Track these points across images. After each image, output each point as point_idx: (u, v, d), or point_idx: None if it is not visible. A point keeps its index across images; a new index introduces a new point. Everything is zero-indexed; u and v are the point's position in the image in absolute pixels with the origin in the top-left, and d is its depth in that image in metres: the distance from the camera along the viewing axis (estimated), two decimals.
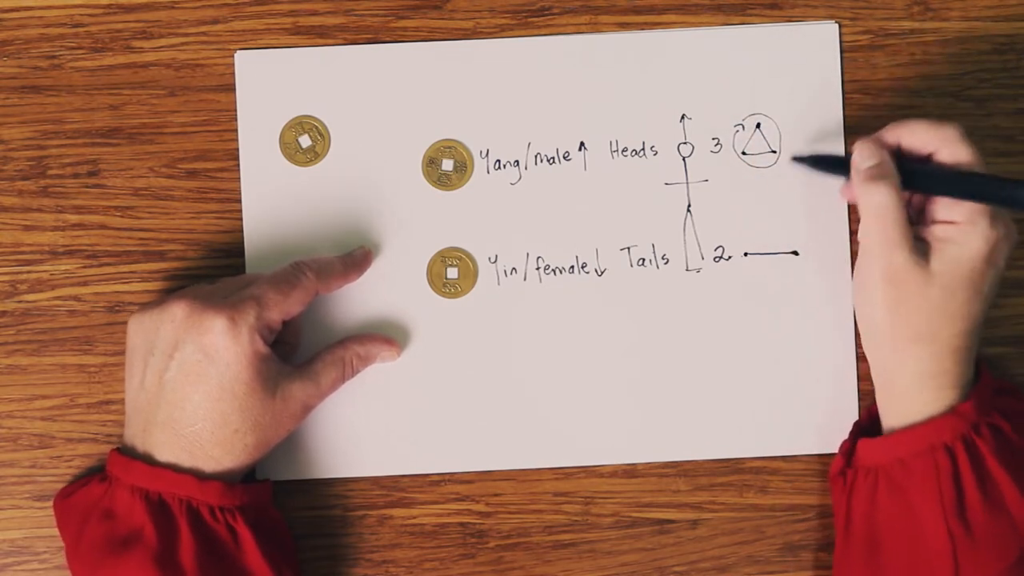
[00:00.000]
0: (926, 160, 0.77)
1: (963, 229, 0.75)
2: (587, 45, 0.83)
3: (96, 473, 0.79)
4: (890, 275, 0.75)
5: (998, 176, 0.75)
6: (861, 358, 0.82)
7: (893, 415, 0.77)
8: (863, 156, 0.77)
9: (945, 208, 0.76)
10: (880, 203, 0.75)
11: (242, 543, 0.76)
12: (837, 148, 0.82)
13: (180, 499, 0.75)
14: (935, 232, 0.76)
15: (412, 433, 0.82)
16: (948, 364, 0.76)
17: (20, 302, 0.82)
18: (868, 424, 0.80)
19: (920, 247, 0.75)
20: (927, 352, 0.76)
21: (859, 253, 0.77)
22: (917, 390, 0.76)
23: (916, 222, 0.78)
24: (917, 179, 0.76)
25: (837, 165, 0.80)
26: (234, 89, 0.82)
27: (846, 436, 0.80)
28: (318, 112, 0.82)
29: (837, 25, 0.83)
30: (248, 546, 0.76)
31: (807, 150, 0.82)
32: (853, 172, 0.77)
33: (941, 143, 0.76)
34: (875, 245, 0.76)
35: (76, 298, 0.82)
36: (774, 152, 0.82)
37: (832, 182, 0.82)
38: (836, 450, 0.81)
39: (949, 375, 0.76)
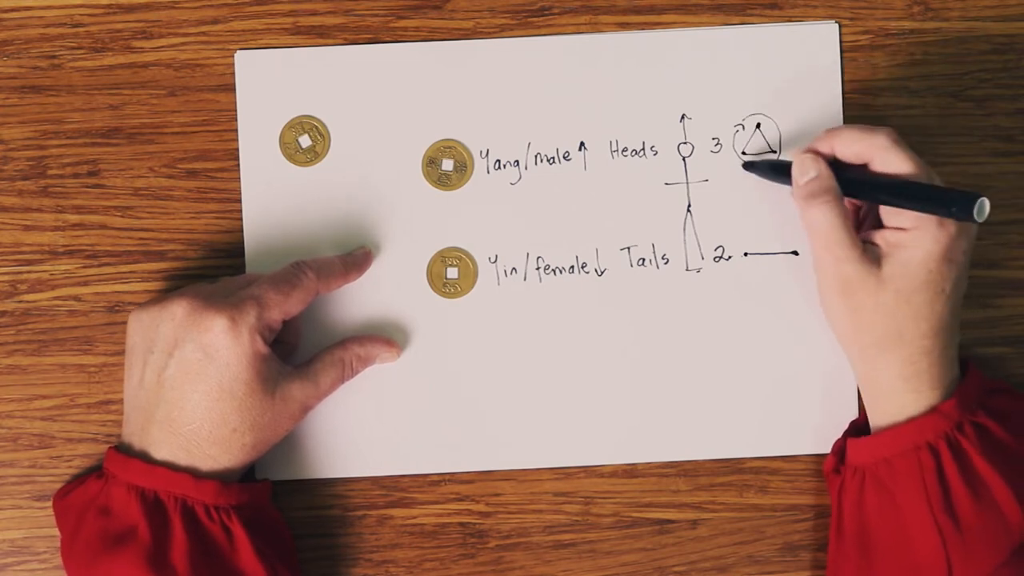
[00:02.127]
0: (863, 168, 0.77)
1: (912, 234, 0.75)
2: (587, 45, 0.83)
3: (95, 471, 0.79)
4: (842, 286, 0.76)
5: (938, 187, 0.75)
6: None
7: (878, 415, 0.78)
8: (801, 171, 0.77)
9: (893, 214, 0.76)
10: (821, 220, 0.76)
11: (237, 543, 0.76)
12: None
13: (175, 497, 0.75)
14: (886, 237, 0.76)
15: (412, 433, 0.82)
16: (923, 365, 0.76)
17: (20, 302, 0.82)
18: (864, 423, 0.80)
19: (872, 252, 0.76)
20: (896, 356, 0.76)
21: (814, 267, 0.78)
22: (896, 392, 0.76)
23: (869, 227, 0.78)
24: (858, 188, 0.77)
25: (783, 172, 0.80)
26: (234, 89, 0.82)
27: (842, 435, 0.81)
28: (318, 112, 0.82)
29: (837, 25, 0.83)
30: (243, 546, 0.76)
31: (758, 157, 0.82)
32: (793, 186, 0.78)
33: (874, 152, 0.76)
34: (824, 260, 0.76)
35: (76, 298, 0.82)
36: (774, 152, 0.82)
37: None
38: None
39: (925, 376, 0.76)
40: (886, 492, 0.76)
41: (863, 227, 0.78)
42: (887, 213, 0.76)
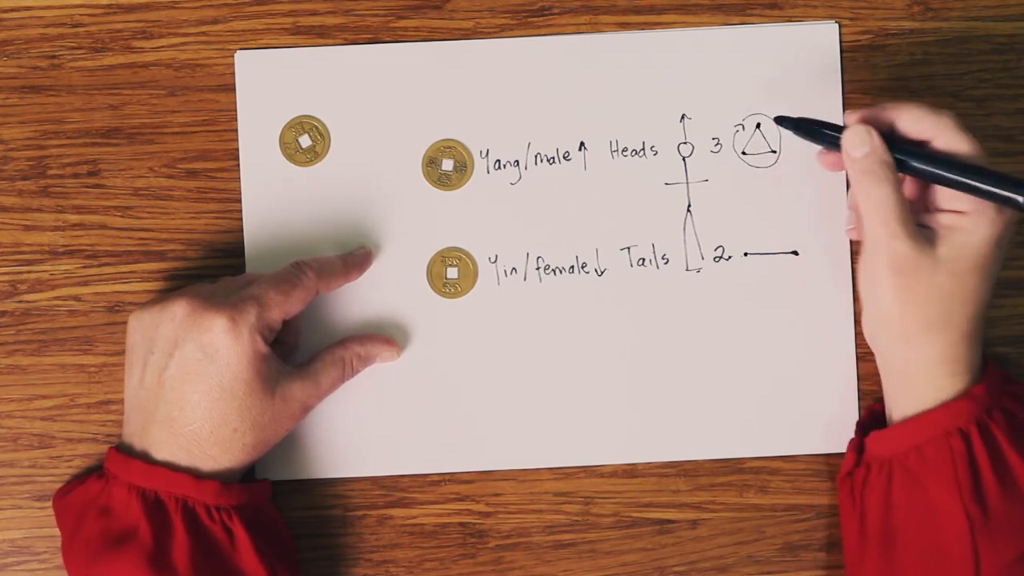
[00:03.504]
0: (921, 145, 0.76)
1: (971, 217, 0.74)
2: (587, 45, 0.83)
3: (95, 471, 0.79)
4: (897, 265, 0.74)
5: (996, 172, 0.75)
6: (861, 358, 0.82)
7: (905, 404, 0.77)
8: (855, 143, 0.76)
9: (949, 197, 0.75)
10: (878, 196, 0.75)
11: (237, 543, 0.76)
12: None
13: (176, 498, 0.75)
14: (940, 220, 0.75)
15: (412, 433, 0.82)
16: (962, 350, 0.76)
17: (20, 302, 0.82)
18: (871, 422, 0.80)
19: (925, 234, 0.75)
20: (940, 339, 0.75)
21: (863, 245, 0.77)
22: (930, 377, 0.76)
23: (918, 209, 0.77)
24: (915, 163, 0.76)
25: (823, 134, 0.78)
26: (234, 89, 0.82)
27: (849, 435, 0.80)
28: (318, 112, 0.82)
29: (837, 25, 0.83)
30: (243, 546, 0.76)
31: (794, 112, 0.80)
32: (846, 159, 0.76)
33: (938, 131, 0.76)
34: (878, 237, 0.75)
35: (76, 298, 0.82)
36: (774, 152, 0.82)
37: (832, 180, 0.82)
38: (836, 450, 0.81)
39: (962, 361, 0.76)
40: (915, 481, 0.75)
41: (912, 208, 0.77)
42: (944, 196, 0.75)
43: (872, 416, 0.80)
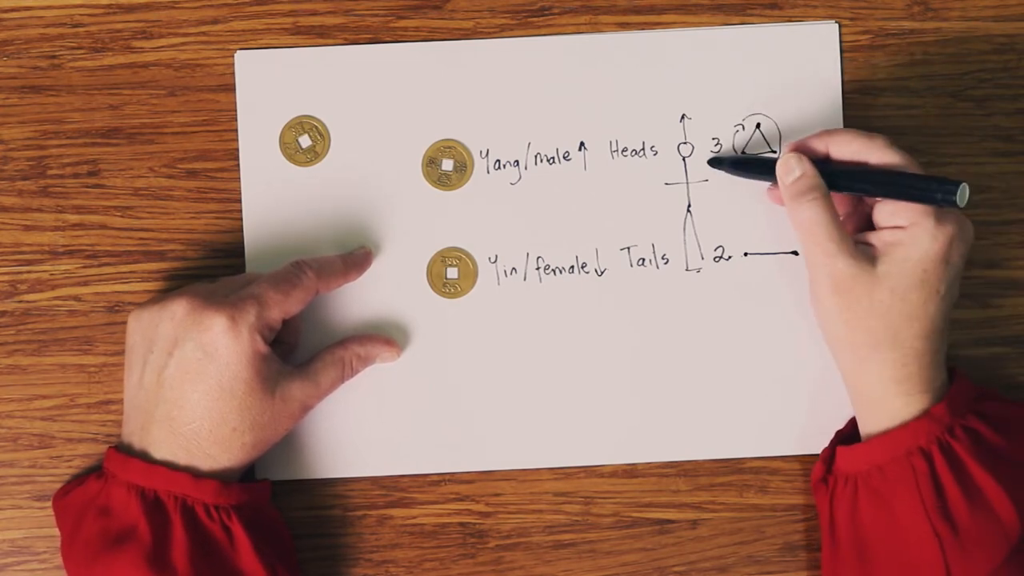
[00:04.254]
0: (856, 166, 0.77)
1: (909, 232, 0.75)
2: (587, 45, 0.83)
3: (94, 471, 0.79)
4: (836, 284, 0.75)
5: (921, 175, 0.75)
6: None
7: (868, 422, 0.77)
8: (786, 169, 0.77)
9: (888, 213, 0.75)
10: (810, 217, 0.75)
11: (237, 542, 0.76)
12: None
13: (175, 497, 0.75)
14: (881, 236, 0.76)
15: (412, 433, 0.82)
16: (913, 368, 0.75)
17: (20, 302, 0.82)
18: (850, 432, 0.80)
19: (865, 252, 0.75)
20: (890, 357, 0.75)
21: (806, 267, 0.77)
22: (887, 397, 0.76)
23: (859, 228, 0.78)
24: (844, 180, 0.76)
25: (759, 168, 0.80)
26: (234, 89, 0.82)
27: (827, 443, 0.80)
28: (318, 112, 0.82)
29: (837, 25, 0.83)
30: (243, 545, 0.76)
31: (725, 152, 0.82)
32: (780, 186, 0.77)
33: (871, 151, 0.76)
34: (815, 257, 0.76)
35: (76, 298, 0.82)
36: (774, 152, 0.82)
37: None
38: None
39: (916, 379, 0.76)
40: (880, 499, 0.76)
41: (852, 229, 0.78)
42: (882, 213, 0.76)
43: (853, 425, 0.80)
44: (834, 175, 0.77)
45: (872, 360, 0.76)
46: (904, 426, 0.75)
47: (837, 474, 0.77)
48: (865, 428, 0.78)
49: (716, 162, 0.81)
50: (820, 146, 0.78)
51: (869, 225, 0.78)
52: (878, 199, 0.76)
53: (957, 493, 0.74)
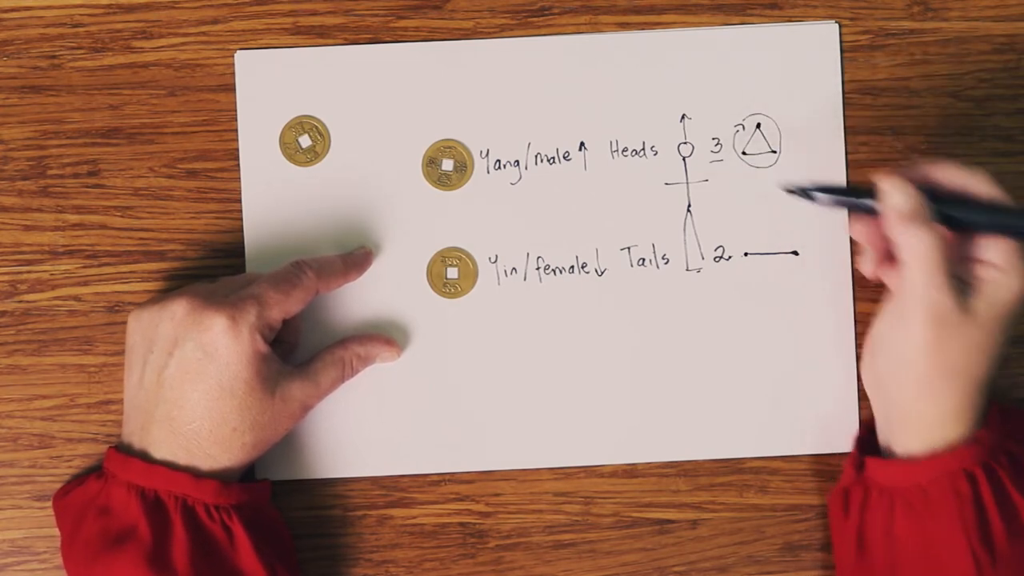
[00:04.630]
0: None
1: (1004, 271, 0.74)
2: (587, 45, 0.83)
3: (94, 471, 0.79)
4: (935, 317, 0.73)
5: None
6: (861, 358, 0.82)
7: (910, 441, 0.76)
8: (897, 195, 0.75)
9: (983, 248, 0.75)
10: (924, 247, 0.73)
11: (237, 542, 0.76)
12: (836, 149, 0.82)
13: (175, 497, 0.75)
14: (975, 272, 0.75)
15: (412, 433, 0.82)
16: (977, 399, 0.75)
17: (20, 302, 0.82)
18: (870, 438, 0.80)
19: (960, 286, 0.74)
20: (958, 387, 0.75)
21: (897, 292, 0.75)
22: (944, 423, 0.75)
23: (953, 261, 0.76)
24: (954, 211, 0.75)
25: (853, 198, 0.77)
26: (234, 89, 0.82)
27: (848, 435, 0.80)
28: (318, 112, 0.82)
29: (837, 25, 0.83)
30: (243, 545, 0.76)
31: (802, 181, 0.79)
32: (888, 212, 0.75)
33: (971, 186, 0.75)
34: (918, 287, 0.74)
35: (76, 298, 0.82)
36: (774, 152, 0.82)
37: (833, 180, 0.82)
38: (836, 450, 0.81)
39: (975, 408, 0.75)
40: (918, 517, 0.75)
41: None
42: (980, 248, 0.75)
43: (871, 433, 0.80)
44: (942, 206, 0.75)
45: (941, 390, 0.75)
46: (952, 448, 0.75)
47: (869, 485, 0.77)
48: (904, 447, 0.77)
49: (802, 192, 0.78)
50: (921, 176, 0.76)
51: (959, 256, 0.76)
52: (978, 232, 0.75)
53: (997, 518, 0.74)
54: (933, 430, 0.76)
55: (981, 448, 0.75)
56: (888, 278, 0.78)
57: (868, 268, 0.79)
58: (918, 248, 0.74)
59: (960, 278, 0.75)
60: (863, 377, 0.80)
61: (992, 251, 0.75)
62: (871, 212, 0.76)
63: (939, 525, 0.74)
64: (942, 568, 0.74)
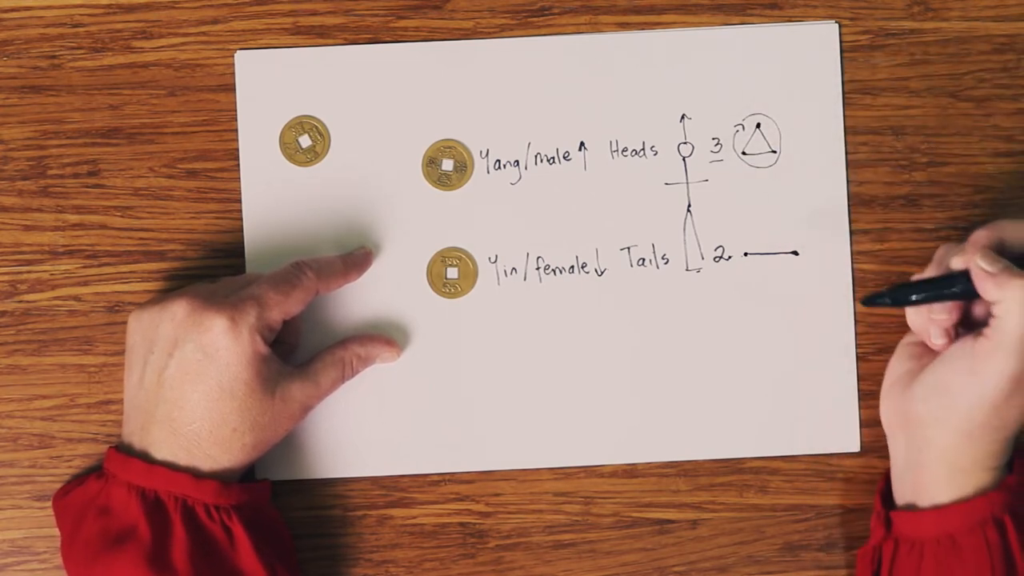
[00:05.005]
0: None
1: None
2: (587, 45, 0.83)
3: (94, 471, 0.79)
4: (1018, 375, 0.73)
5: None
6: (861, 358, 0.82)
7: (937, 493, 0.76)
8: (989, 261, 0.74)
9: None
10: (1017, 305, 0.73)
11: (237, 542, 0.76)
12: (836, 149, 0.82)
13: (176, 497, 0.75)
14: None
15: (412, 433, 0.82)
16: (1008, 445, 0.76)
17: (20, 302, 0.82)
18: (888, 490, 0.79)
19: None
20: (999, 437, 0.75)
21: (981, 343, 0.74)
22: (975, 471, 0.75)
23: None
24: None
25: (941, 288, 0.76)
26: (234, 89, 0.82)
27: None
28: (318, 112, 0.82)
29: (837, 25, 0.83)
30: (243, 546, 0.76)
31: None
32: (983, 276, 0.74)
33: None
34: (1012, 342, 0.73)
35: (76, 298, 0.82)
36: (774, 152, 0.82)
37: (833, 180, 0.82)
38: (836, 450, 0.82)
39: (1004, 454, 0.76)
40: (947, 569, 0.75)
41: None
42: None
43: (888, 483, 0.80)
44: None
45: (980, 440, 0.75)
46: (983, 496, 0.75)
47: (899, 538, 0.77)
48: (932, 495, 0.76)
49: (873, 301, 0.77)
50: (986, 239, 0.76)
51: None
52: None
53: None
54: (964, 478, 0.76)
55: (1009, 495, 0.75)
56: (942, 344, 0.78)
57: (941, 342, 0.78)
58: (1017, 299, 0.73)
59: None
60: (889, 415, 0.79)
61: None
62: (957, 297, 0.76)
63: (968, 573, 0.74)
64: None
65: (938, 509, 0.76)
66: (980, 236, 0.76)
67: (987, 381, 0.74)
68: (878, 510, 0.78)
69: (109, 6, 0.82)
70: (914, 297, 0.76)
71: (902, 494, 0.78)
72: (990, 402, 0.74)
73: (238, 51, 0.82)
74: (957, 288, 0.75)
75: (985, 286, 0.74)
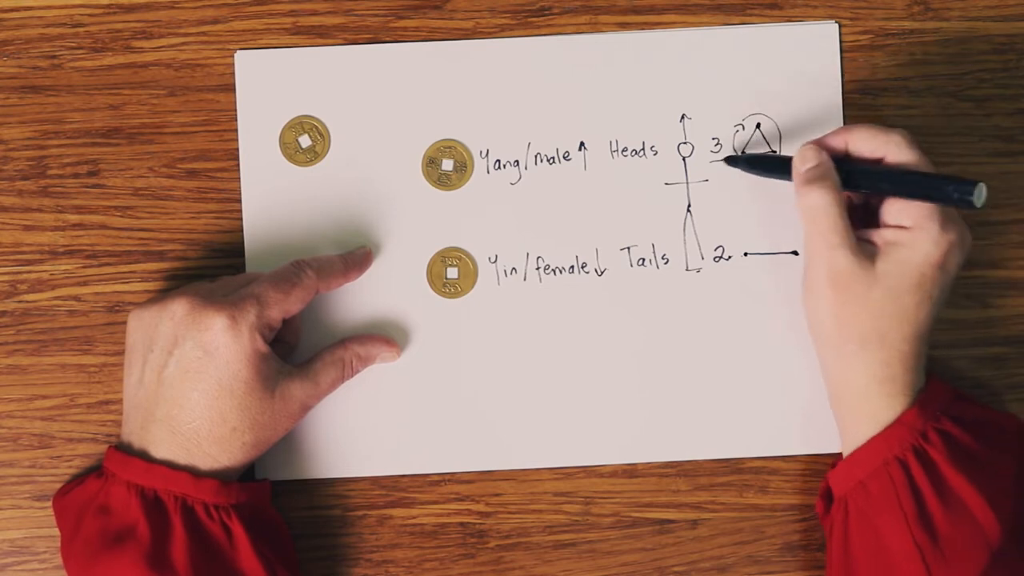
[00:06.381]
0: (873, 163, 0.77)
1: (912, 233, 0.74)
2: (587, 45, 0.83)
3: (94, 471, 0.79)
4: (833, 277, 0.75)
5: (939, 174, 0.75)
6: None
7: (848, 430, 0.77)
8: (802, 160, 0.77)
9: (895, 212, 0.75)
10: (817, 205, 0.75)
11: (236, 542, 0.76)
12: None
13: (175, 496, 0.75)
14: (884, 235, 0.75)
15: (412, 433, 0.82)
16: (897, 370, 0.75)
17: (20, 302, 0.82)
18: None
19: (867, 249, 0.75)
20: (875, 357, 0.75)
21: (804, 258, 0.77)
22: (868, 397, 0.76)
23: (865, 224, 0.77)
24: (860, 178, 0.76)
25: (777, 166, 0.80)
26: (234, 89, 0.82)
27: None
28: (318, 112, 0.82)
29: (837, 25, 0.83)
30: (242, 545, 0.76)
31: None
32: (794, 175, 0.77)
33: (888, 148, 0.76)
34: (817, 248, 0.75)
35: (76, 298, 0.82)
36: (774, 152, 0.82)
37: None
38: (836, 450, 0.81)
39: (898, 381, 0.75)
40: (865, 518, 0.75)
41: (859, 225, 0.78)
42: (888, 211, 0.76)
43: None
44: (850, 173, 0.76)
45: (857, 358, 0.75)
46: (881, 434, 0.75)
47: (835, 500, 0.77)
48: (846, 439, 0.77)
49: (732, 160, 0.81)
50: (839, 143, 0.77)
51: (874, 221, 0.77)
52: (888, 196, 0.76)
53: (935, 500, 0.74)
54: (863, 408, 0.76)
55: (907, 430, 0.75)
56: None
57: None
58: (811, 206, 0.75)
59: (870, 241, 0.76)
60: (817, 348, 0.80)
61: (902, 214, 0.75)
62: (788, 179, 0.78)
63: (882, 519, 0.74)
64: (889, 562, 0.74)
65: (850, 456, 0.76)
66: (834, 134, 0.77)
67: (816, 292, 0.76)
68: (822, 482, 0.79)
69: (109, 6, 0.82)
70: (743, 164, 0.81)
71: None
72: (829, 313, 0.75)
73: (238, 51, 0.82)
74: (784, 171, 0.79)
75: (794, 182, 0.77)
